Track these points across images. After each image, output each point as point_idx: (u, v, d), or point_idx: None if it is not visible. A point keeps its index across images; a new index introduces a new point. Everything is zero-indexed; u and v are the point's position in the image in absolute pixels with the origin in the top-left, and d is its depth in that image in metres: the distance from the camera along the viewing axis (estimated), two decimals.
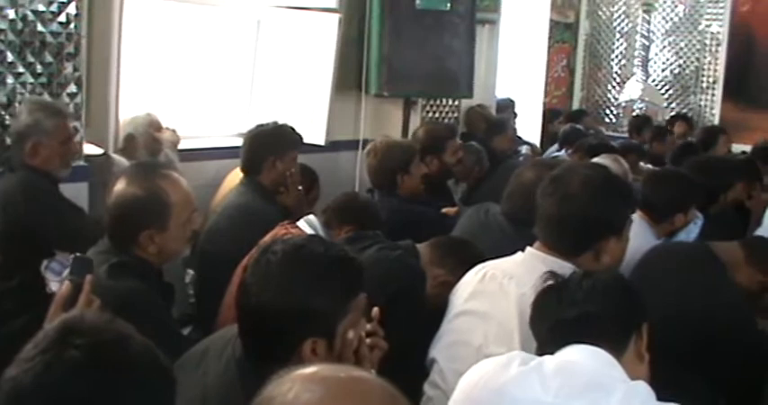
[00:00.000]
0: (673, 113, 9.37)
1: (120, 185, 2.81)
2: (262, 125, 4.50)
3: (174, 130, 4.97)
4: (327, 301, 2.01)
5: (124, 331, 1.56)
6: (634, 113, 9.71)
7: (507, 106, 8.13)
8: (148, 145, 4.68)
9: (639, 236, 3.92)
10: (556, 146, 7.76)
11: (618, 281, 2.28)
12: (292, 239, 2.16)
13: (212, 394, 2.09)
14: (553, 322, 2.14)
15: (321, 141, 5.80)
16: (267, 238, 3.60)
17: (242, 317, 2.09)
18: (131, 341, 1.55)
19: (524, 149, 7.66)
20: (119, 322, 1.59)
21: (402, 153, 4.53)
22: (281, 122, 4.51)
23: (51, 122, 3.89)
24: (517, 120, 8.32)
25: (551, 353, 2.10)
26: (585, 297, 2.14)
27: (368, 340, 2.15)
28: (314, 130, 5.69)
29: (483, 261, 2.92)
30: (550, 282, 2.26)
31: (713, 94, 9.60)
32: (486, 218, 3.86)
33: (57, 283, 2.39)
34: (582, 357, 2.04)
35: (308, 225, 3.69)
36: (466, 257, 3.12)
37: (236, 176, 4.72)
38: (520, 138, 7.94)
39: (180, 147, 5.02)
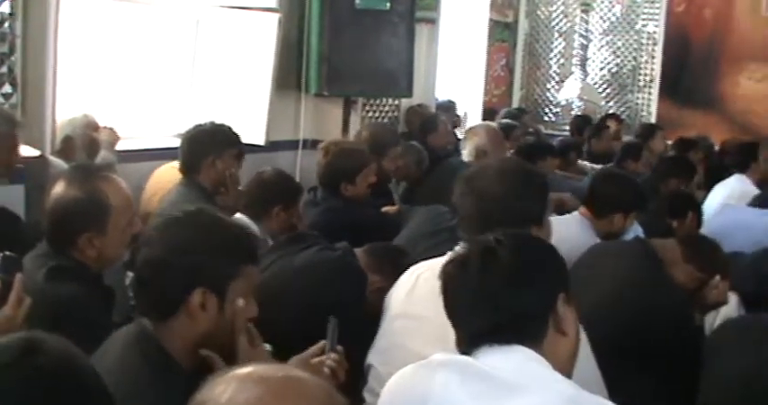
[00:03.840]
0: (610, 112, 9.47)
1: (58, 188, 2.78)
2: (200, 125, 4.47)
3: (111, 129, 4.92)
4: (215, 256, 2.11)
5: (34, 339, 1.53)
6: (573, 112, 9.80)
7: (449, 108, 8.15)
8: (86, 146, 4.63)
9: (579, 234, 3.99)
10: None
11: (522, 261, 2.08)
12: (198, 207, 2.32)
13: (111, 366, 2.08)
14: (466, 328, 2.06)
15: (261, 141, 5.78)
16: None
17: (135, 273, 2.18)
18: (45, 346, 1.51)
19: None
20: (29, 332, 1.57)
21: (351, 162, 4.48)
22: (218, 122, 4.49)
23: (2, 129, 3.85)
24: (460, 121, 8.35)
25: (471, 351, 2.06)
26: (492, 303, 2.02)
27: (329, 362, 2.30)
28: (254, 130, 5.67)
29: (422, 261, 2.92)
30: (453, 268, 2.13)
31: (650, 93, 9.73)
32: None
33: None
34: (502, 361, 1.99)
35: None
36: (403, 264, 3.11)
37: (164, 176, 4.70)
38: (456, 136, 7.98)
39: (118, 147, 4.97)
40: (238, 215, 3.77)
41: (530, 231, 2.59)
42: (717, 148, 7.85)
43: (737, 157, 6.55)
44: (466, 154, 5.59)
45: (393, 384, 2.15)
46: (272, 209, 3.83)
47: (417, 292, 2.78)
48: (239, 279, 2.13)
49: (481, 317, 2.03)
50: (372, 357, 2.82)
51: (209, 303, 2.09)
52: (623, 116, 9.32)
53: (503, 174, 2.75)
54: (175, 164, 4.75)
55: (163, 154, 5.13)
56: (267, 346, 2.24)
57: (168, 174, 4.78)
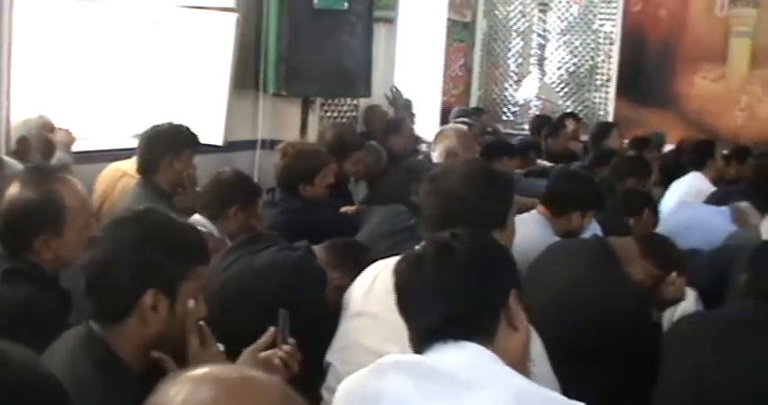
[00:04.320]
0: (567, 111, 9.54)
1: (13, 189, 2.75)
2: (157, 125, 4.45)
3: (67, 130, 4.88)
4: (167, 256, 2.09)
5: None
6: (531, 111, 9.85)
7: (406, 107, 8.15)
8: (41, 147, 4.58)
9: (537, 233, 4.00)
10: None
11: (477, 256, 2.12)
12: (148, 206, 2.35)
13: (59, 370, 2.06)
14: (420, 325, 2.08)
15: (219, 142, 5.76)
16: None
17: (87, 273, 2.15)
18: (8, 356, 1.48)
19: (424, 148, 7.70)
20: None
21: (309, 164, 4.49)
22: (176, 122, 4.47)
23: None
24: (416, 120, 8.34)
25: (425, 347, 2.07)
26: (447, 295, 2.05)
27: (281, 354, 2.28)
28: (212, 131, 5.65)
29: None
30: (407, 264, 2.16)
31: (607, 92, 9.80)
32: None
33: None
34: (455, 357, 2.00)
35: (197, 225, 3.68)
36: (363, 261, 3.12)
37: (107, 177, 4.67)
38: (418, 137, 7.98)
39: (75, 148, 4.93)
40: (196, 216, 3.75)
41: (493, 234, 2.61)
42: (672, 146, 7.93)
43: (694, 156, 6.61)
44: (436, 155, 5.62)
45: (345, 387, 2.15)
46: (230, 209, 3.82)
47: (375, 290, 2.78)
48: (190, 280, 2.12)
49: (435, 309, 2.05)
50: (331, 355, 2.82)
51: (161, 305, 2.08)
52: (581, 115, 9.39)
53: (468, 174, 2.75)
54: (118, 164, 4.74)
55: (120, 155, 5.08)
56: (220, 347, 2.22)
57: (110, 176, 4.74)
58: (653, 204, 4.96)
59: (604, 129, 8.14)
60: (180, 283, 2.10)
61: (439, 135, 5.83)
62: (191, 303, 2.12)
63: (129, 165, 4.68)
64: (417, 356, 2.06)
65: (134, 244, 2.10)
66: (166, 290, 2.08)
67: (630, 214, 4.71)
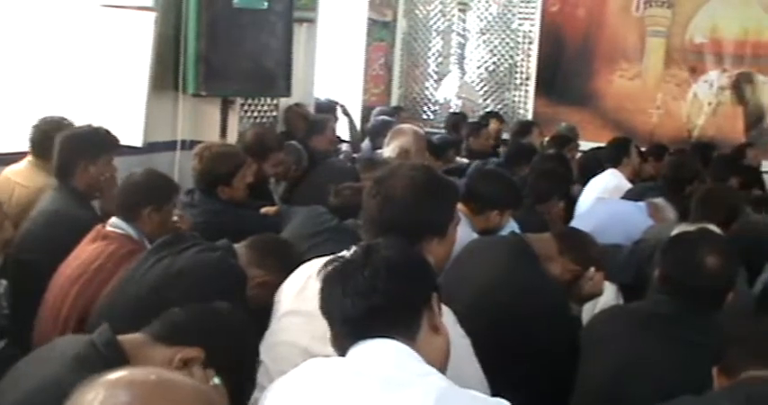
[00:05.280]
0: (488, 110, 9.63)
1: None
2: (74, 128, 4.39)
3: None
4: (234, 348, 2.21)
5: None
6: (451, 110, 9.91)
7: (331, 108, 8.12)
8: None
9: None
10: (367, 141, 7.87)
11: (401, 256, 2.17)
12: None
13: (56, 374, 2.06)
14: (342, 318, 2.09)
15: (138, 143, 5.70)
16: (84, 243, 3.55)
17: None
18: None
19: (345, 147, 7.71)
20: None
21: (226, 166, 4.49)
22: (95, 125, 4.40)
23: None
24: (339, 122, 8.33)
25: (348, 346, 2.09)
26: (370, 286, 2.07)
27: None
28: (130, 132, 5.58)
29: (304, 261, 2.92)
30: (334, 265, 2.18)
31: (526, 91, 9.91)
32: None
33: None
34: (377, 355, 2.01)
35: (115, 228, 3.64)
36: (286, 257, 3.12)
37: (5, 187, 4.59)
38: (339, 137, 7.98)
39: None
40: (113, 219, 3.69)
41: (432, 243, 2.63)
42: (586, 144, 8.06)
43: (610, 153, 6.72)
44: (389, 150, 5.72)
45: (271, 389, 2.16)
46: (143, 210, 3.73)
47: (308, 289, 2.77)
48: (223, 378, 2.12)
49: (360, 303, 2.06)
50: (262, 353, 2.80)
51: (193, 367, 2.09)
52: (501, 113, 9.48)
53: (414, 181, 2.70)
54: (9, 172, 4.69)
55: None
56: (216, 380, 2.16)
57: (2, 188, 4.60)
58: (561, 190, 5.04)
59: (525, 127, 8.25)
60: (221, 371, 2.12)
61: (395, 132, 5.92)
62: (215, 380, 2.12)
63: (19, 172, 4.62)
64: (338, 358, 2.08)
65: (224, 324, 2.22)
66: (210, 362, 2.11)
67: (540, 201, 4.79)
